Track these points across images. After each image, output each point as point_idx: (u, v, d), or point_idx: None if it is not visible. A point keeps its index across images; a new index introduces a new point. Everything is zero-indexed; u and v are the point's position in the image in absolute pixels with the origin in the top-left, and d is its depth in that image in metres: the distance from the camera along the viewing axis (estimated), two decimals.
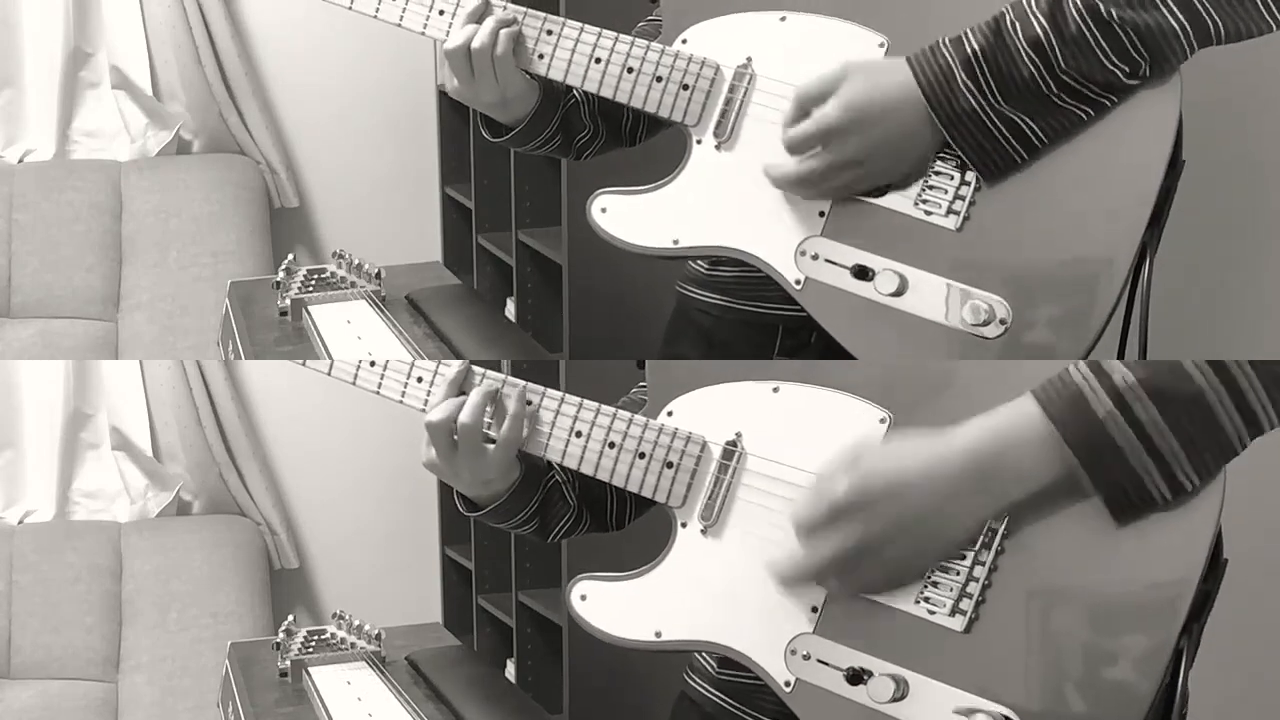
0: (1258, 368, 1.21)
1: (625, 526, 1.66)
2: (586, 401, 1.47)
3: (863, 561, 1.32)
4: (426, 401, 1.52)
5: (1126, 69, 1.37)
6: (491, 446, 1.48)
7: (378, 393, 1.55)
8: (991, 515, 1.29)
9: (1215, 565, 1.28)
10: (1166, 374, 1.21)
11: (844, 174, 1.45)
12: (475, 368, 1.51)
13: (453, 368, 1.50)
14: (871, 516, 1.30)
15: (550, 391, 1.49)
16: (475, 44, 1.60)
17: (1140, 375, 1.22)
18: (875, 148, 1.43)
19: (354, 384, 1.55)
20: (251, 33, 3.89)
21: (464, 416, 1.47)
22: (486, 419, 1.48)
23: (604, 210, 1.53)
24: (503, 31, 1.59)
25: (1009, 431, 1.27)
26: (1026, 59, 1.36)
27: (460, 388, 1.50)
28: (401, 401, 1.54)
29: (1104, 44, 1.35)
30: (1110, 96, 1.38)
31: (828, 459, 1.34)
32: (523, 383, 1.49)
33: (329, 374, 1.57)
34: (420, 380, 1.52)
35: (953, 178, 1.43)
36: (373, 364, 1.54)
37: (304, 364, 1.57)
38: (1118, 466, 1.23)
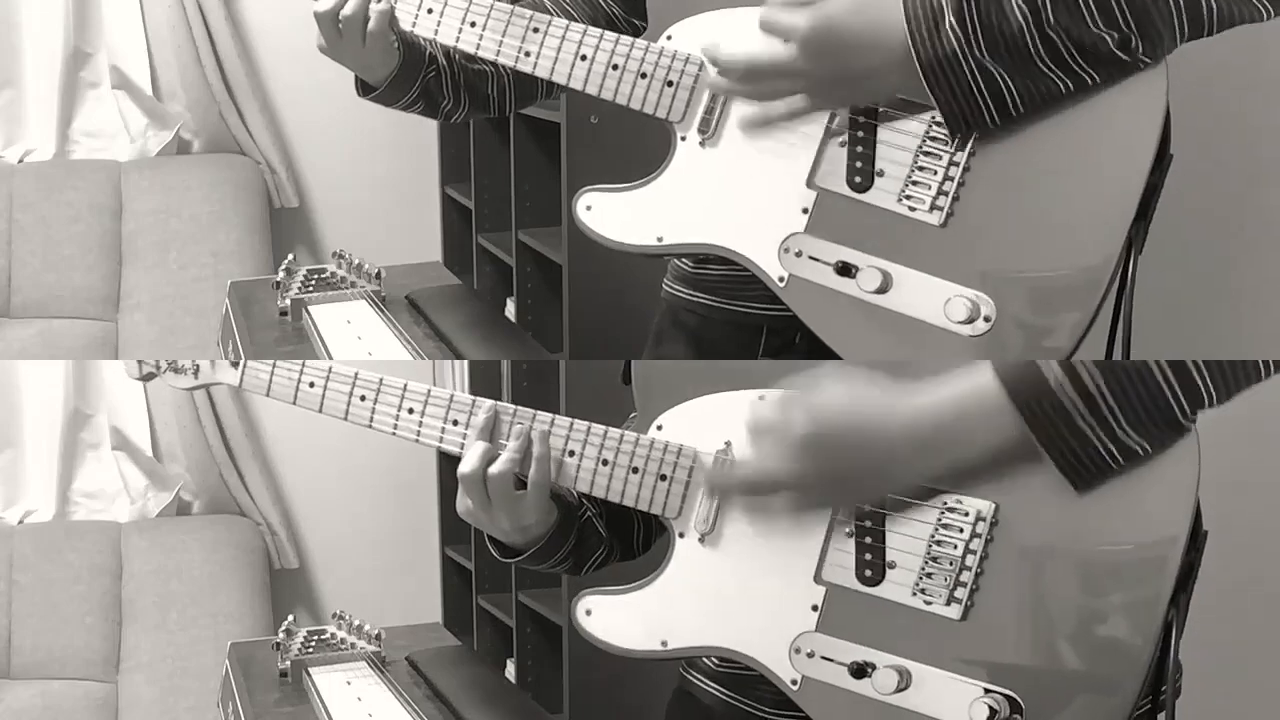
0: (1204, 361, 1.26)
1: (650, 549, 1.66)
2: (577, 421, 1.48)
3: (801, 492, 1.36)
4: (420, 432, 1.52)
5: (1115, 35, 1.34)
6: (523, 492, 1.48)
7: (370, 426, 1.54)
8: (939, 474, 1.33)
9: (1196, 537, 1.31)
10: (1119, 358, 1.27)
11: (789, 83, 1.42)
12: (501, 406, 1.50)
13: (480, 415, 1.50)
14: (819, 455, 1.33)
15: (541, 414, 1.49)
16: (345, 12, 1.66)
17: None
18: (835, 75, 1.40)
19: (346, 419, 1.55)
20: (251, 33, 3.90)
21: (494, 469, 1.47)
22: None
23: (589, 208, 1.52)
24: (374, 7, 1.65)
25: (963, 395, 1.30)
26: (1015, 9, 1.33)
27: (490, 433, 1.49)
28: (394, 434, 1.53)
29: (1093, 3, 1.33)
30: (1092, 71, 1.36)
31: (786, 390, 1.37)
32: (532, 412, 1.49)
33: (320, 411, 1.56)
34: (411, 412, 1.52)
35: (936, 173, 1.42)
36: (363, 398, 1.53)
37: (293, 402, 1.57)
38: (1063, 428, 1.26)
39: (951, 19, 1.35)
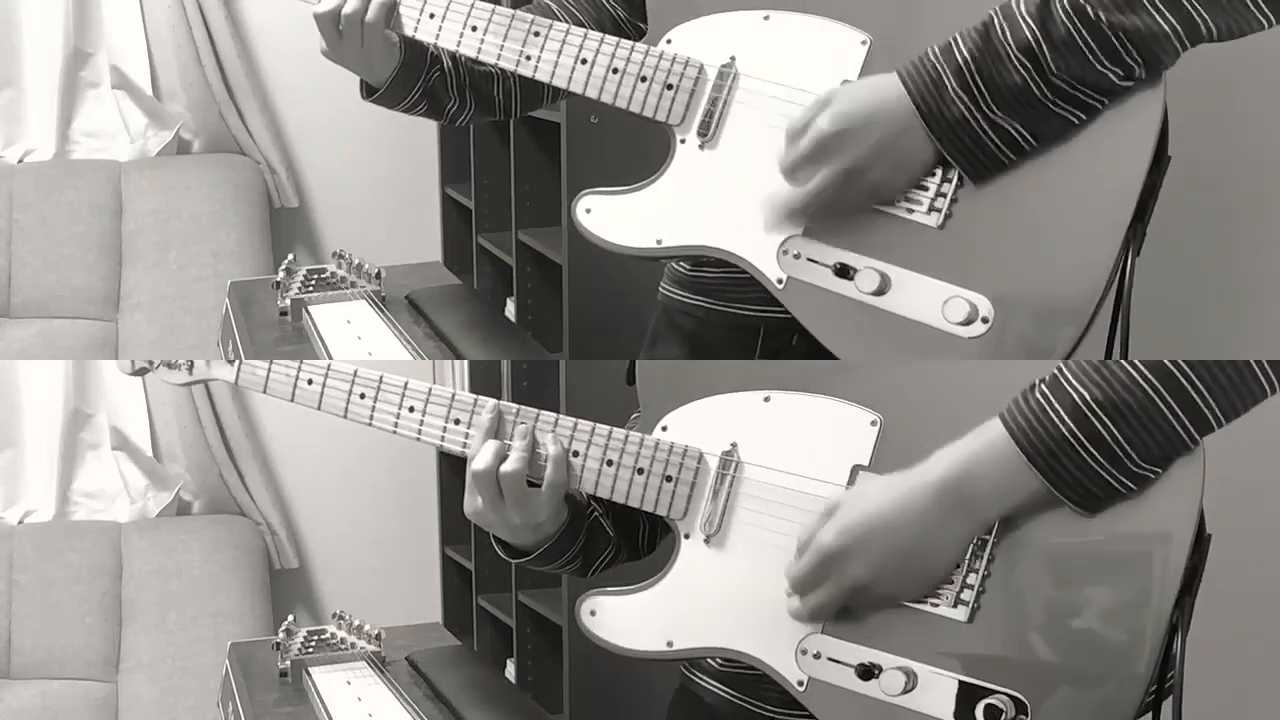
0: (1203, 369, 1.27)
1: (655, 550, 1.66)
2: (581, 421, 1.48)
3: (857, 601, 1.37)
4: (421, 431, 1.52)
5: (1120, 71, 1.35)
6: (536, 490, 1.48)
7: (370, 424, 1.54)
8: (971, 536, 1.34)
9: (1199, 541, 1.32)
10: (1120, 389, 1.27)
11: (846, 187, 1.43)
12: (504, 405, 1.50)
13: (485, 414, 1.50)
14: (859, 560, 1.35)
15: (544, 414, 1.49)
16: (346, 10, 1.66)
17: (1095, 395, 1.27)
18: (873, 153, 1.41)
19: (345, 416, 1.55)
20: (251, 33, 3.90)
21: (507, 466, 1.47)
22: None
23: (588, 210, 1.53)
24: (373, 2, 1.65)
25: (978, 458, 1.32)
26: (1017, 64, 1.35)
27: (496, 431, 1.49)
28: (395, 432, 1.53)
29: (1094, 46, 1.34)
30: (1102, 99, 1.37)
31: (807, 520, 1.38)
32: (535, 411, 1.49)
33: (318, 408, 1.56)
34: (412, 410, 1.52)
35: (934, 175, 1.42)
36: (362, 396, 1.53)
37: (291, 399, 1.57)
38: (1080, 476, 1.29)
39: (954, 84, 1.37)
